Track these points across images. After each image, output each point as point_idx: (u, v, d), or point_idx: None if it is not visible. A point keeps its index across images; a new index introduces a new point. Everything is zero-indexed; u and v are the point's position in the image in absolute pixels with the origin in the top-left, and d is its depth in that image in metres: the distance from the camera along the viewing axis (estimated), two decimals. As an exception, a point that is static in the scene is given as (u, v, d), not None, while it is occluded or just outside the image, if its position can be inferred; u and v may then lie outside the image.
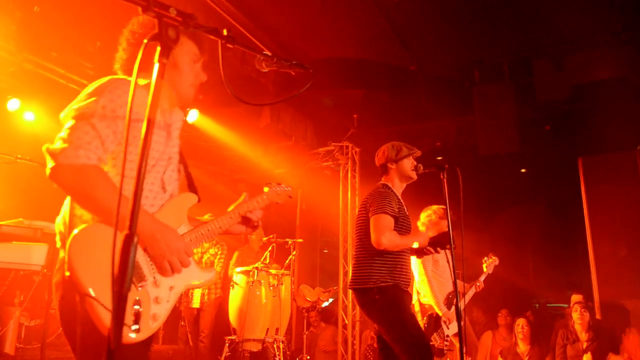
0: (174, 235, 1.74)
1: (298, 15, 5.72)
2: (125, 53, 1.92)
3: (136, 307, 1.60)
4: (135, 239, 1.11)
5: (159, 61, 1.27)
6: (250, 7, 5.49)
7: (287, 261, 6.34)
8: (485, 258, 4.98)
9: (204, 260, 6.23)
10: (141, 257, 1.68)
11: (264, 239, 6.44)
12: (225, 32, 1.61)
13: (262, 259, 5.85)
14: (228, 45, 1.73)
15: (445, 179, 3.26)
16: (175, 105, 1.98)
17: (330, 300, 7.57)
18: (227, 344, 5.43)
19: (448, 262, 4.66)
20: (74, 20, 5.57)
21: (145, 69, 1.77)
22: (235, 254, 6.48)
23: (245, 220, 2.16)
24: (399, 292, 3.35)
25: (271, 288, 5.54)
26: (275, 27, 5.89)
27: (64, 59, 6.00)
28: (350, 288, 3.51)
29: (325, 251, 10.27)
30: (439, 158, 7.65)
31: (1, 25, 5.19)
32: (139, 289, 1.65)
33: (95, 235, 1.60)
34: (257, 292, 5.48)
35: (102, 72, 6.17)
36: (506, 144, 6.43)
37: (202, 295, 6.06)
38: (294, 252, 6.49)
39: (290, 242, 6.53)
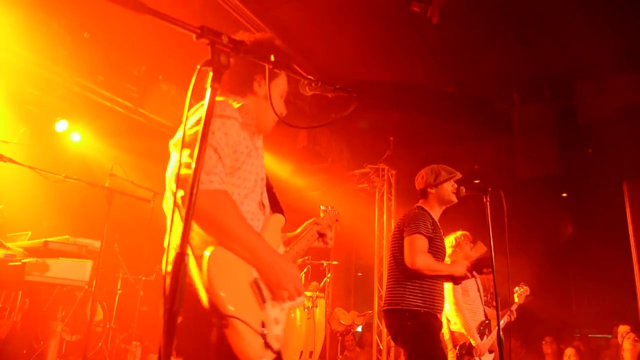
0: (289, 264, 1.73)
1: (335, 38, 5.81)
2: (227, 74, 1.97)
3: (263, 328, 1.57)
4: (186, 259, 1.13)
5: (211, 86, 1.31)
6: (289, 32, 5.62)
7: (321, 283, 6.30)
8: (517, 288, 4.84)
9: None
10: (261, 280, 1.67)
11: (299, 260, 6.43)
12: (272, 58, 1.64)
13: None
14: (275, 70, 1.78)
15: (488, 203, 3.20)
16: (263, 132, 2.01)
17: (360, 326, 7.47)
18: (260, 366, 5.40)
19: (479, 290, 4.58)
20: (121, 45, 5.81)
21: (236, 91, 1.90)
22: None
23: (321, 236, 2.22)
24: (432, 320, 3.26)
25: (306, 310, 5.51)
26: (312, 50, 5.99)
27: (110, 83, 6.24)
28: (382, 309, 3.45)
29: (360, 274, 10.17)
30: (477, 181, 7.52)
31: (52, 50, 5.46)
32: (263, 309, 1.63)
33: (226, 255, 1.59)
34: (292, 314, 5.45)
35: (146, 95, 6.39)
36: (546, 167, 6.29)
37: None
38: (329, 275, 6.45)
39: (325, 264, 6.50)
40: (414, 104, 6.59)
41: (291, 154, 7.31)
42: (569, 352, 6.16)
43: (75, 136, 6.81)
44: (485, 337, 4.28)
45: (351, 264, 9.95)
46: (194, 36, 1.31)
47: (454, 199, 3.51)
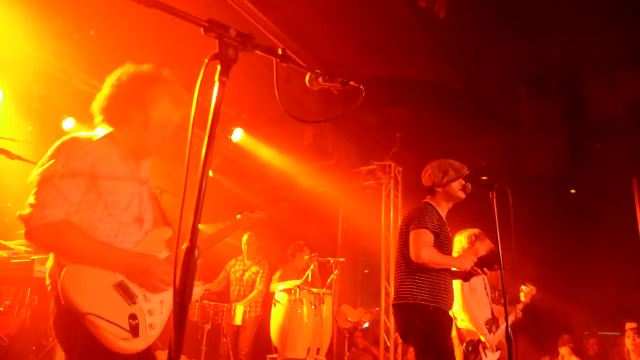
0: (150, 261, 1.97)
1: (340, 34, 5.78)
2: (106, 100, 2.09)
3: (132, 320, 1.86)
4: (196, 252, 1.16)
5: (219, 80, 1.32)
6: (294, 28, 5.59)
7: (328, 280, 6.29)
8: (523, 287, 4.81)
9: (245, 278, 6.26)
10: (128, 281, 1.93)
11: (306, 257, 6.42)
12: (280, 51, 1.64)
13: (304, 278, 5.83)
14: (282, 64, 1.77)
15: (494, 199, 3.17)
16: (140, 158, 2.15)
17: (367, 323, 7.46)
18: (268, 362, 5.41)
19: (486, 287, 4.56)
20: (127, 43, 5.81)
21: (107, 120, 2.08)
22: (278, 272, 6.49)
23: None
24: (441, 316, 3.24)
25: (313, 307, 5.50)
26: (317, 46, 5.97)
27: (117, 81, 6.25)
28: (392, 304, 3.44)
29: (366, 271, 10.16)
30: (484, 178, 7.47)
31: (59, 47, 5.47)
32: (132, 305, 1.90)
33: (82, 269, 1.85)
34: (299, 311, 5.45)
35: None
36: (555, 163, 6.24)
37: (244, 312, 6.08)
38: (336, 272, 6.43)
39: (332, 261, 6.49)
40: (420, 100, 6.56)
41: (297, 151, 7.30)
42: (563, 351, 6.13)
43: (83, 134, 6.83)
44: (492, 334, 4.26)
45: (358, 261, 9.94)
46: (202, 30, 1.31)
47: (462, 196, 3.49)
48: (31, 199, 1.84)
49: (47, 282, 1.97)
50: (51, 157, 1.90)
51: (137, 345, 1.84)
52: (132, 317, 1.86)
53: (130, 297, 1.91)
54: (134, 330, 1.83)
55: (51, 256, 1.96)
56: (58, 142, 1.95)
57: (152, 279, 1.95)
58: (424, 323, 3.17)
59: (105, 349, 1.77)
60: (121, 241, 1.97)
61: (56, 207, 1.81)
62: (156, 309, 1.97)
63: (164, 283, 1.98)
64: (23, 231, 1.83)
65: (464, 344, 4.26)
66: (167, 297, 2.03)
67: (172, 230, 2.19)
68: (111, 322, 1.78)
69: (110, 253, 1.90)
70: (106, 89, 2.09)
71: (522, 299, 4.72)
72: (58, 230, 1.81)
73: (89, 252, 1.85)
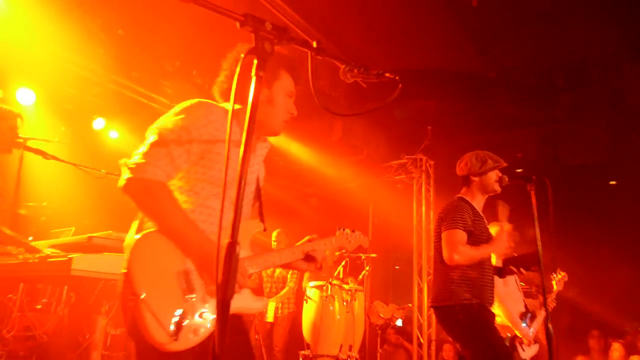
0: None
1: (369, 25, 5.67)
2: (229, 81, 1.98)
3: (179, 318, 1.65)
4: (238, 248, 1.18)
5: (256, 74, 1.32)
6: (322, 20, 5.51)
7: (360, 276, 6.23)
8: (554, 274, 4.67)
9: (276, 274, 6.25)
10: (194, 271, 1.74)
11: (337, 253, 6.36)
12: (315, 45, 1.60)
13: (335, 274, 5.78)
14: (318, 57, 1.71)
15: (533, 192, 3.05)
16: (263, 135, 2.04)
17: (400, 320, 7.38)
18: (300, 359, 5.39)
19: (516, 281, 4.43)
20: (155, 41, 5.84)
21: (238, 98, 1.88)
22: (309, 269, 6.45)
23: (309, 258, 2.15)
24: (483, 311, 3.16)
25: (345, 303, 5.46)
26: (346, 38, 5.88)
27: (145, 79, 6.31)
28: (430, 306, 3.35)
29: (397, 267, 10.05)
30: (519, 170, 7.26)
31: (88, 48, 5.53)
32: (186, 302, 1.69)
33: (157, 242, 1.71)
34: (331, 307, 5.41)
35: (181, 90, 6.42)
36: (594, 154, 6.03)
37: (276, 309, 6.07)
38: (367, 268, 6.36)
39: (363, 257, 6.42)
40: (452, 91, 6.40)
41: (326, 146, 7.23)
42: (616, 346, 5.91)
43: (113, 133, 6.92)
44: (528, 327, 4.16)
45: (389, 257, 9.84)
46: (237, 24, 1.30)
47: (498, 189, 3.38)
48: (141, 149, 1.75)
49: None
50: (174, 114, 1.81)
51: (169, 345, 1.62)
52: (181, 314, 1.66)
53: (189, 291, 1.71)
54: (177, 331, 1.63)
55: (134, 225, 1.83)
56: (187, 103, 1.85)
57: (211, 279, 1.78)
58: (469, 320, 3.08)
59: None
60: (210, 224, 1.82)
61: (160, 167, 1.72)
62: (208, 314, 1.73)
63: (238, 285, 1.77)
64: (124, 178, 1.71)
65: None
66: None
67: (263, 225, 2.02)
68: (154, 315, 1.60)
69: (193, 234, 1.74)
70: (225, 71, 2.00)
71: (555, 287, 4.58)
72: (154, 189, 1.71)
73: (173, 224, 1.72)
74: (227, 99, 1.99)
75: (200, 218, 1.79)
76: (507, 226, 4.44)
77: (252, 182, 2.02)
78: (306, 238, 2.19)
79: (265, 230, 2.02)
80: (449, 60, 6.19)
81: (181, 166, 1.77)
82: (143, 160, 1.72)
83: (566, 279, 4.68)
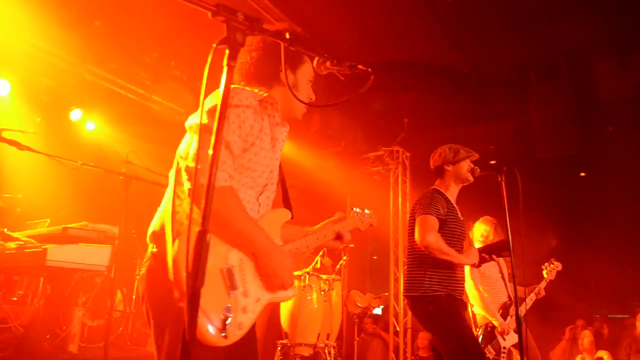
0: (285, 255, 1.81)
1: (347, 18, 5.72)
2: (254, 65, 1.94)
3: (226, 314, 1.64)
4: (208, 237, 1.15)
5: (227, 64, 1.30)
6: (300, 12, 5.53)
7: (337, 266, 6.31)
8: (546, 264, 4.75)
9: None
10: (237, 267, 1.72)
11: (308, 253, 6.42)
12: (287, 36, 1.63)
13: (312, 264, 5.85)
14: (290, 48, 1.76)
15: (503, 182, 3.15)
16: (284, 120, 2.02)
17: (381, 307, 7.48)
18: (279, 348, 5.45)
19: (501, 271, 4.53)
20: (132, 33, 5.79)
21: (262, 82, 1.92)
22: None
23: (339, 237, 2.20)
24: (454, 302, 3.25)
25: (322, 293, 5.52)
26: (323, 31, 5.91)
27: (122, 70, 6.25)
28: (403, 295, 3.45)
29: (375, 258, 10.18)
30: (493, 162, 7.42)
31: (65, 39, 5.46)
32: (231, 296, 1.68)
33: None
34: (309, 297, 5.47)
35: (159, 82, 6.37)
36: (565, 146, 6.18)
37: (254, 299, 6.11)
38: (345, 257, 6.44)
39: (341, 247, 6.49)
40: (428, 84, 6.50)
41: (304, 138, 7.27)
42: (586, 333, 6.12)
43: (90, 125, 6.85)
44: (509, 317, 4.25)
45: (366, 247, 9.96)
46: (209, 14, 1.30)
47: (470, 178, 3.48)
48: (199, 152, 1.60)
49: (151, 247, 1.76)
50: (224, 106, 1.72)
51: (220, 342, 1.61)
52: (227, 310, 1.64)
53: (232, 287, 1.69)
54: (224, 327, 1.62)
55: (159, 217, 1.77)
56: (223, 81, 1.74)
57: (283, 274, 1.76)
58: (439, 311, 3.17)
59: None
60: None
61: (225, 170, 1.66)
62: (250, 308, 1.72)
63: (285, 282, 1.78)
64: (187, 187, 1.65)
65: (480, 329, 4.27)
66: (264, 296, 1.78)
67: (291, 213, 1.99)
68: (205, 314, 1.58)
69: (260, 234, 1.72)
70: (246, 56, 1.94)
71: (545, 276, 4.66)
72: (223, 196, 1.63)
73: (244, 228, 1.68)
74: (249, 83, 1.94)
75: None
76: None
77: (276, 169, 1.99)
78: (333, 217, 2.23)
79: (292, 217, 2.00)
80: (426, 54, 6.28)
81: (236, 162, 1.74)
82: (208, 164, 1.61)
83: (559, 268, 4.70)
